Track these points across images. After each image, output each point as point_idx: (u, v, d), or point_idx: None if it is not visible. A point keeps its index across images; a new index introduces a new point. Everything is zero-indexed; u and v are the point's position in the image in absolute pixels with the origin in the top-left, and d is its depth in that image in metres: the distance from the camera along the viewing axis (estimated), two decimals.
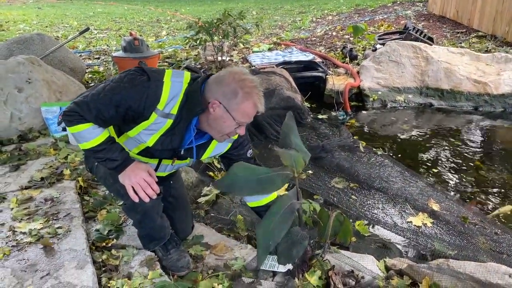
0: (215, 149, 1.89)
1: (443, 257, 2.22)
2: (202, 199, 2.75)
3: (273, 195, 2.04)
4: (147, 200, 1.74)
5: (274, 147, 1.68)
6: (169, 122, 1.67)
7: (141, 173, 1.72)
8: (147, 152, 1.82)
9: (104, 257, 2.03)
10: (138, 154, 1.84)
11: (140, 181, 1.71)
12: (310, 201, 2.63)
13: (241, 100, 1.62)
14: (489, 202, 2.95)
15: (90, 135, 1.66)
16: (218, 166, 3.14)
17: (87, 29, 5.32)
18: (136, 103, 1.61)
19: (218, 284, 1.87)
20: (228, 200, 2.77)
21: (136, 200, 1.73)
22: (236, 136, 1.83)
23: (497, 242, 2.45)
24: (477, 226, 2.60)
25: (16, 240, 2.09)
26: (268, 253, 1.59)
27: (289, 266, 1.95)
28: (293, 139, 1.79)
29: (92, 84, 5.07)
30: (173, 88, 1.65)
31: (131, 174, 1.71)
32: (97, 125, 1.66)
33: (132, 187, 1.72)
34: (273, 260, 1.97)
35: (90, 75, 5.48)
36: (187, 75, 1.73)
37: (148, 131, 1.70)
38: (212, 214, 2.65)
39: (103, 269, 1.96)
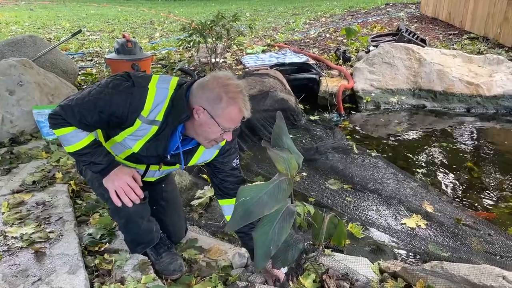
0: (202, 155, 1.86)
1: (437, 259, 2.23)
2: (195, 202, 2.73)
3: None
4: (130, 205, 1.71)
5: (267, 148, 1.64)
6: (154, 128, 1.65)
7: (124, 177, 1.70)
8: (134, 158, 1.80)
9: (96, 261, 2.00)
10: (125, 159, 1.82)
11: (123, 186, 1.69)
12: (304, 203, 2.63)
13: (226, 105, 1.58)
14: (482, 203, 2.97)
15: (74, 139, 1.66)
16: None
17: (80, 31, 5.29)
18: (119, 109, 1.60)
19: None
20: None
21: (119, 204, 1.71)
22: (223, 143, 1.80)
23: (491, 244, 2.46)
24: (470, 228, 2.61)
25: (8, 244, 2.06)
26: (268, 259, 1.58)
27: (284, 269, 1.94)
28: (285, 141, 1.78)
29: (85, 86, 5.03)
30: (158, 95, 1.63)
31: (114, 178, 1.69)
32: (81, 129, 1.65)
33: (115, 191, 1.70)
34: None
35: (82, 77, 5.45)
36: (173, 81, 1.69)
37: (133, 137, 1.68)
38: (205, 218, 2.63)
39: (96, 273, 1.94)
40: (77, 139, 1.66)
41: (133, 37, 7.37)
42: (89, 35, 9.32)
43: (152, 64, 5.72)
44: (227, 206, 1.98)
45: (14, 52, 4.44)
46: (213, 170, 1.95)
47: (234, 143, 1.91)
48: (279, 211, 1.60)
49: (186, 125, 1.71)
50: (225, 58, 6.20)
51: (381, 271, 2.07)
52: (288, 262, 1.81)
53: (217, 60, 5.66)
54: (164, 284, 1.88)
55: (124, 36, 4.87)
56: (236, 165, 1.94)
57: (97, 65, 6.24)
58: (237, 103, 1.59)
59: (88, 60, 6.65)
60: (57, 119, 1.63)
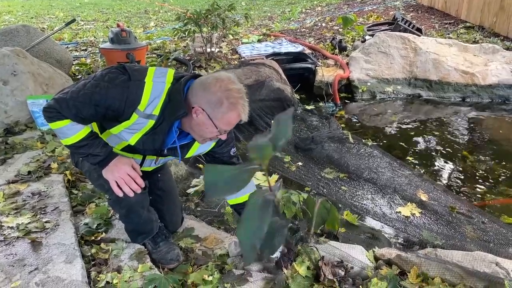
0: (199, 148, 1.86)
1: (431, 246, 2.25)
2: (191, 190, 2.74)
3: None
4: (131, 194, 1.72)
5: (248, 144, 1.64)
6: (150, 122, 1.65)
7: (124, 167, 1.70)
8: (130, 148, 1.80)
9: (93, 251, 2.01)
10: (122, 150, 1.82)
11: (123, 176, 1.70)
12: (300, 192, 2.64)
13: (226, 110, 1.59)
14: (477, 191, 2.99)
15: (70, 132, 1.65)
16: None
17: (73, 20, 5.24)
18: (115, 103, 1.59)
19: (208, 276, 1.88)
20: None
21: (121, 195, 1.72)
22: None
23: (484, 231, 2.48)
24: (464, 216, 2.64)
25: (4, 234, 2.06)
26: (255, 252, 1.59)
27: (277, 254, 1.96)
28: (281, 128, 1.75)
29: (80, 76, 5.01)
30: (154, 89, 1.62)
31: (114, 168, 1.70)
32: (77, 122, 1.65)
33: (116, 182, 1.70)
34: None
35: (77, 67, 5.41)
36: (170, 74, 1.69)
37: (130, 130, 1.68)
38: (202, 207, 2.64)
39: (92, 263, 1.95)
40: (73, 131, 1.65)
41: (128, 27, 7.29)
42: (83, 25, 9.23)
43: (147, 54, 5.68)
44: None
45: (7, 41, 4.40)
46: (211, 160, 1.97)
47: (231, 132, 1.91)
48: (255, 204, 1.60)
49: (182, 120, 1.71)
50: (221, 47, 6.17)
51: (376, 259, 2.09)
52: (276, 248, 1.81)
53: (213, 49, 5.63)
54: (161, 273, 1.89)
55: (118, 26, 4.83)
56: (234, 153, 1.97)
57: (91, 55, 6.20)
58: (237, 109, 1.61)
59: (83, 50, 6.60)
60: (52, 113, 1.62)
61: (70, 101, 1.59)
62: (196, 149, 1.87)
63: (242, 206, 2.05)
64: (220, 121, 1.62)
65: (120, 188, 1.71)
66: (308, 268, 1.89)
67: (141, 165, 1.89)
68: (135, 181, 1.72)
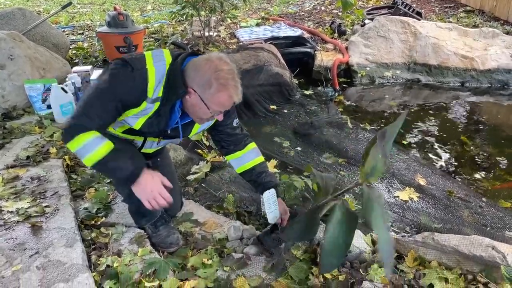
0: (202, 125, 1.88)
1: (429, 230, 2.27)
2: (191, 177, 2.74)
3: (258, 159, 2.06)
4: (158, 208, 1.70)
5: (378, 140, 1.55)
6: (156, 105, 1.65)
7: (156, 187, 1.67)
8: (132, 131, 1.80)
9: (93, 235, 2.03)
10: (123, 132, 1.81)
11: (156, 196, 1.67)
12: (302, 177, 2.65)
13: (215, 91, 1.59)
14: (475, 176, 3.01)
15: (95, 145, 1.61)
16: (207, 143, 3.13)
17: (70, 3, 5.17)
18: (125, 96, 1.60)
19: (207, 260, 1.89)
20: (217, 177, 2.77)
21: (150, 208, 1.70)
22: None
23: (481, 215, 2.50)
24: (462, 200, 2.65)
25: (4, 219, 2.07)
26: (335, 267, 1.63)
27: (278, 220, 1.98)
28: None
29: (77, 61, 4.97)
30: (157, 73, 1.63)
31: (146, 188, 1.66)
32: (100, 134, 1.62)
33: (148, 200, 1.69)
34: (270, 206, 1.99)
35: (74, 51, 5.36)
36: (167, 55, 1.69)
37: (136, 116, 1.68)
38: (201, 191, 2.65)
39: (93, 247, 1.96)
40: (98, 145, 1.62)
41: (125, 10, 7.22)
42: (79, 8, 9.12)
43: (145, 38, 5.63)
44: (234, 160, 2.03)
45: (3, 25, 4.35)
46: (216, 133, 1.99)
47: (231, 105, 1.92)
48: (345, 214, 1.62)
49: (183, 100, 1.71)
50: (219, 31, 6.11)
51: (374, 243, 2.11)
52: (312, 235, 1.84)
53: (211, 33, 5.58)
54: (161, 257, 1.90)
55: (115, 9, 4.77)
56: (236, 124, 1.99)
57: (88, 38, 6.14)
58: (227, 90, 1.60)
59: (79, 34, 6.53)
60: (74, 130, 1.59)
61: (90, 112, 1.60)
62: (200, 126, 1.88)
63: (249, 172, 2.04)
64: (211, 102, 1.62)
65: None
66: (305, 252, 1.91)
67: (142, 147, 1.90)
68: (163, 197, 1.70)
